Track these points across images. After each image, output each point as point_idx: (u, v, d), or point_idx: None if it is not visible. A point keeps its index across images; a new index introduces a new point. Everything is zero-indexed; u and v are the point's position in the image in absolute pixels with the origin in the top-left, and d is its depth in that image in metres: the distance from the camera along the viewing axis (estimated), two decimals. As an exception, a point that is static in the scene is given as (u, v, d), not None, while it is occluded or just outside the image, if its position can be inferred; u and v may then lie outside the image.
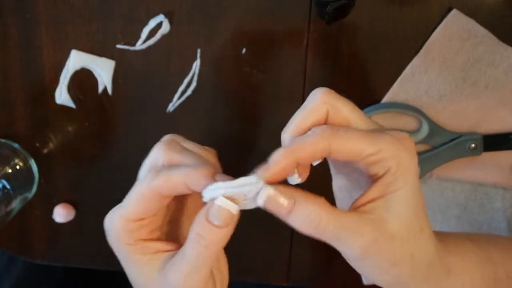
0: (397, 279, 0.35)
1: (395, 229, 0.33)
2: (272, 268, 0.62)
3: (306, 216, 0.31)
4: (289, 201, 0.31)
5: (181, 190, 0.33)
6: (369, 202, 0.33)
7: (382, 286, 0.36)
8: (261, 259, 0.62)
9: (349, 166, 0.37)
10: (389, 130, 0.34)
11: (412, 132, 0.55)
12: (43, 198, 0.61)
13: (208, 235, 0.32)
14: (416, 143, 0.55)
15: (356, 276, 0.61)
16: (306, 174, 0.35)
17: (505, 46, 0.52)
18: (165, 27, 0.54)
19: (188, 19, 0.54)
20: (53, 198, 0.61)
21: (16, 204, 0.57)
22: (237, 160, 0.59)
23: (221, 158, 0.59)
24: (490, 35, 0.52)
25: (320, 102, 0.34)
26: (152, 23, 0.54)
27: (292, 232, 0.60)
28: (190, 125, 0.58)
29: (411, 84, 0.54)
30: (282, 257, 0.62)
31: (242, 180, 0.32)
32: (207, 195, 0.32)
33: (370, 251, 0.33)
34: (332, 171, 0.39)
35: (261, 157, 0.58)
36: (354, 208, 0.34)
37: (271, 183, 0.32)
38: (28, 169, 0.59)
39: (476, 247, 0.39)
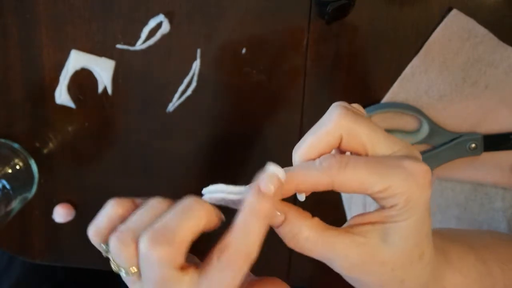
0: None
1: (386, 256, 0.32)
2: (272, 268, 0.62)
3: (294, 234, 0.32)
4: (280, 216, 0.32)
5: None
6: (367, 224, 0.32)
7: None
8: (261, 259, 0.62)
9: None
10: (407, 156, 0.32)
11: (412, 132, 0.55)
12: (43, 198, 0.61)
13: (263, 207, 0.30)
14: (416, 143, 0.55)
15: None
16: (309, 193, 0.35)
17: (505, 46, 0.52)
18: (165, 27, 0.54)
19: (188, 19, 0.54)
20: (53, 198, 0.61)
21: (16, 204, 0.57)
22: (237, 160, 0.59)
23: (221, 158, 0.59)
24: (490, 35, 0.52)
25: (335, 127, 0.32)
26: (152, 23, 0.54)
27: (292, 232, 0.60)
28: (190, 125, 0.58)
29: (411, 84, 0.54)
30: (282, 257, 0.62)
31: (241, 188, 0.32)
32: (207, 196, 0.32)
33: (355, 273, 0.33)
34: None
35: (261, 157, 0.58)
36: (350, 225, 0.33)
37: None
38: (28, 169, 0.59)
39: (477, 259, 0.38)
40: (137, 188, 0.60)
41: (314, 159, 0.32)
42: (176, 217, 0.30)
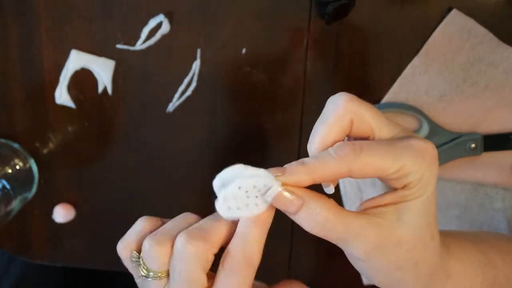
0: (398, 282, 0.35)
1: (403, 236, 0.33)
2: (272, 268, 0.62)
3: (313, 217, 0.31)
4: (298, 200, 0.31)
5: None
6: (380, 206, 0.33)
7: (381, 287, 0.36)
8: (261, 259, 0.62)
9: None
10: (411, 136, 0.33)
11: (412, 132, 0.55)
12: (43, 198, 0.61)
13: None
14: (416, 143, 0.55)
15: (356, 276, 0.61)
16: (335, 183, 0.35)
17: (505, 46, 0.52)
18: (165, 27, 0.54)
19: (188, 19, 0.54)
20: (53, 198, 0.61)
21: (16, 204, 0.57)
22: (237, 159, 0.59)
23: (221, 158, 0.59)
24: (490, 35, 0.52)
25: (344, 111, 0.33)
26: (152, 23, 0.54)
27: (292, 232, 0.60)
28: (190, 125, 0.58)
29: (411, 84, 0.54)
30: (282, 257, 0.62)
31: (257, 170, 0.32)
32: (218, 182, 0.32)
33: (373, 255, 0.33)
34: None
35: (261, 157, 0.58)
36: (363, 209, 0.34)
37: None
38: (28, 169, 0.59)
39: (477, 250, 0.39)
40: (137, 188, 0.60)
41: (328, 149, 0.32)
42: (210, 221, 0.33)
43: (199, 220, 0.34)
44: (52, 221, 0.61)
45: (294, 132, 0.57)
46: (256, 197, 0.32)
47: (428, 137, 0.54)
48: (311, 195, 0.32)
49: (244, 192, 0.32)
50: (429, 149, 0.33)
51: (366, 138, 0.34)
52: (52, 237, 0.62)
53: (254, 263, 0.33)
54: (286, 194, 0.31)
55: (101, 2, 0.54)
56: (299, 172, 0.32)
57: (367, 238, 0.32)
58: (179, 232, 0.33)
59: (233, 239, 0.32)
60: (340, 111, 0.33)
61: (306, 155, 0.59)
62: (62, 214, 0.60)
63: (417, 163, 0.32)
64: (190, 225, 0.34)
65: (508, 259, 0.40)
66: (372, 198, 0.34)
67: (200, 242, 0.32)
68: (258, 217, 0.32)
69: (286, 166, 0.32)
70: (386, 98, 0.55)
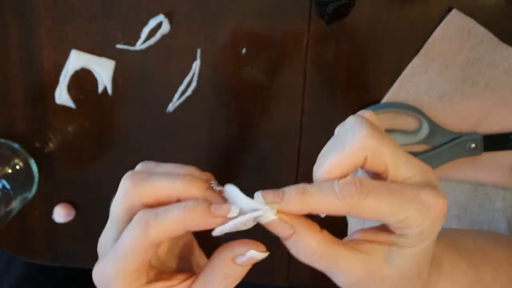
0: None
1: (387, 275, 0.32)
2: (272, 268, 0.62)
3: (301, 247, 0.32)
4: (289, 229, 0.31)
5: (180, 233, 0.32)
6: (373, 242, 0.32)
7: None
8: (261, 260, 0.62)
9: None
10: (426, 185, 0.31)
11: (412, 132, 0.55)
12: (43, 198, 0.61)
13: (235, 274, 0.33)
14: (416, 143, 0.55)
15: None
16: None
17: (505, 46, 0.52)
18: (165, 27, 0.54)
19: (188, 19, 0.54)
20: (53, 198, 0.61)
21: (16, 204, 0.57)
22: (237, 159, 0.59)
23: (221, 158, 0.59)
24: (490, 35, 0.52)
25: (363, 147, 0.31)
26: (152, 23, 0.54)
27: (292, 232, 0.60)
28: (190, 125, 0.58)
29: (411, 84, 0.54)
30: (282, 257, 0.62)
31: (248, 215, 0.32)
32: (217, 232, 0.32)
33: (357, 287, 0.33)
34: None
35: (261, 157, 0.58)
36: (356, 240, 0.33)
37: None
38: (28, 169, 0.58)
39: (469, 267, 0.38)
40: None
41: (335, 179, 0.31)
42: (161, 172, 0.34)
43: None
44: (52, 221, 0.61)
45: (294, 132, 0.57)
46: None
47: (428, 137, 0.54)
48: (304, 226, 0.31)
49: (239, 225, 0.32)
50: (439, 206, 0.31)
51: (378, 174, 0.32)
52: (52, 237, 0.62)
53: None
54: (279, 222, 0.31)
55: (101, 2, 0.54)
56: (297, 203, 0.31)
57: (351, 273, 0.32)
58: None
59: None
60: (358, 146, 0.31)
61: (305, 155, 0.59)
62: (62, 214, 0.60)
63: (422, 219, 0.30)
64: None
65: (499, 276, 0.40)
66: (368, 230, 0.33)
67: (109, 272, 0.32)
68: (237, 277, 0.34)
69: (285, 190, 0.31)
70: (386, 98, 0.55)
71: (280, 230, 0.32)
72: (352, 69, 0.55)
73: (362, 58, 0.54)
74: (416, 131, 0.55)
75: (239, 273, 0.33)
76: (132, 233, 0.31)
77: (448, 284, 0.37)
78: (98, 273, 0.34)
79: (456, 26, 0.52)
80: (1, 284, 0.69)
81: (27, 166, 0.58)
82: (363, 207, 0.30)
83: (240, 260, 0.33)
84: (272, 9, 0.53)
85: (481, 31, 0.52)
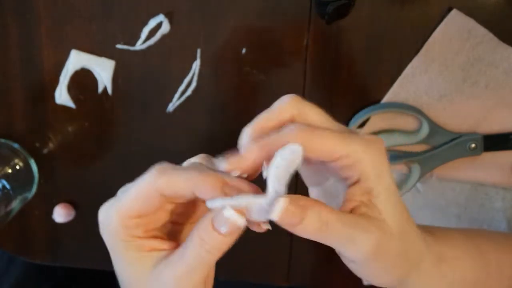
0: (398, 278, 0.35)
1: (392, 227, 0.33)
2: (272, 268, 0.62)
3: (317, 220, 0.31)
4: (301, 210, 0.31)
5: (185, 195, 0.32)
6: (356, 207, 0.33)
7: (381, 286, 0.37)
8: (261, 259, 0.62)
9: (321, 175, 0.37)
10: (361, 133, 0.34)
11: (412, 132, 0.55)
12: (43, 198, 0.61)
13: (211, 241, 0.31)
14: (416, 143, 0.55)
15: (356, 276, 0.61)
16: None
17: (505, 46, 0.52)
18: (165, 27, 0.54)
19: (188, 19, 0.54)
20: (53, 198, 0.61)
21: (16, 204, 0.57)
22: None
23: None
24: (490, 35, 0.52)
25: (287, 105, 0.34)
26: (152, 23, 0.54)
27: (292, 232, 0.60)
28: (190, 125, 0.58)
29: (411, 84, 0.54)
30: (282, 257, 0.62)
31: (251, 198, 0.31)
32: (212, 204, 0.32)
33: (377, 251, 0.32)
34: (307, 184, 0.39)
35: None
36: (348, 210, 0.33)
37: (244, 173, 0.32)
38: (28, 169, 0.59)
39: (463, 236, 0.40)
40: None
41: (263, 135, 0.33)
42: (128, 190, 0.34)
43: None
44: (52, 221, 0.61)
45: (294, 132, 0.57)
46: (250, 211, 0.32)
47: (428, 137, 0.54)
48: (309, 199, 0.31)
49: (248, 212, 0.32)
50: (378, 140, 0.33)
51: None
52: (52, 237, 0.62)
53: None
54: (290, 207, 0.31)
55: (101, 2, 0.54)
56: (253, 148, 0.32)
57: (372, 232, 0.32)
58: None
59: (183, 257, 0.32)
60: (283, 104, 0.34)
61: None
62: (62, 214, 0.60)
63: (368, 151, 0.32)
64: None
65: (495, 246, 0.40)
66: (345, 202, 0.33)
67: (110, 210, 0.33)
68: (210, 245, 0.31)
69: (242, 149, 0.33)
70: (386, 98, 0.55)
71: (295, 214, 0.31)
72: (352, 69, 0.55)
73: (362, 58, 0.54)
74: (416, 131, 0.55)
75: (217, 241, 0.31)
76: (144, 177, 0.33)
77: (448, 248, 0.38)
78: (103, 211, 0.34)
79: (456, 26, 0.52)
80: (1, 284, 0.69)
81: (27, 166, 0.58)
82: (314, 139, 0.31)
83: (217, 222, 0.31)
84: (272, 9, 0.53)
85: (481, 31, 0.52)
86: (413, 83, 0.54)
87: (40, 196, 0.61)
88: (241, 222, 0.31)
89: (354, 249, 0.32)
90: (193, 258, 0.32)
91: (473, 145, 0.54)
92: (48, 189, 0.61)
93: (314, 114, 0.34)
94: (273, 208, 0.31)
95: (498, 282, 0.39)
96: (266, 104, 0.57)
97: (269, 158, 0.32)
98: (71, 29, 0.55)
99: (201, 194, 0.32)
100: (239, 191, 0.32)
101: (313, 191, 0.39)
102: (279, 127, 0.33)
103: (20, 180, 0.58)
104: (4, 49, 0.56)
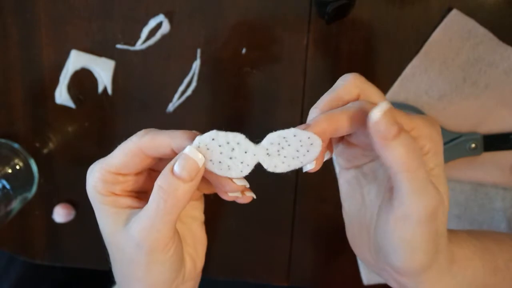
0: (427, 261, 0.34)
1: (445, 201, 0.34)
2: (272, 268, 0.62)
3: (409, 146, 0.31)
4: (399, 127, 0.30)
5: (164, 151, 0.34)
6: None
7: (409, 271, 0.35)
8: (261, 259, 0.62)
9: (362, 157, 0.37)
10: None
11: (412, 132, 0.55)
12: (43, 198, 0.61)
13: (169, 187, 0.32)
14: (416, 143, 0.55)
15: (356, 276, 0.61)
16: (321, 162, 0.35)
17: (505, 46, 0.52)
18: (165, 27, 0.54)
19: (188, 19, 0.54)
20: (53, 198, 0.61)
21: (16, 204, 0.57)
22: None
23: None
24: (490, 35, 0.52)
25: (352, 85, 0.34)
26: (152, 23, 0.54)
27: (292, 232, 0.60)
28: (190, 125, 0.58)
29: (411, 84, 0.54)
30: (282, 257, 0.62)
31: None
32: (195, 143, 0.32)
33: (433, 215, 0.32)
34: (343, 166, 0.39)
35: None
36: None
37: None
38: (28, 169, 0.59)
39: (472, 237, 0.39)
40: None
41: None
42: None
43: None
44: (52, 221, 0.61)
45: (294, 132, 0.57)
46: (231, 158, 0.32)
47: (428, 137, 0.54)
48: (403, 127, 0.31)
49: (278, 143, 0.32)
50: (436, 121, 0.34)
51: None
52: (52, 237, 0.62)
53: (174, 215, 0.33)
54: (390, 114, 0.30)
55: (101, 2, 0.54)
56: (321, 118, 0.32)
57: (435, 197, 0.32)
58: None
59: (147, 207, 0.33)
60: (348, 84, 0.34)
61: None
62: (62, 214, 0.60)
63: (429, 128, 0.33)
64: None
65: (502, 246, 0.40)
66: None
67: (95, 166, 0.36)
68: (173, 195, 0.32)
69: (312, 119, 0.33)
70: (386, 98, 0.55)
71: (393, 124, 0.30)
72: (352, 69, 0.55)
73: (362, 58, 0.54)
74: (416, 131, 0.55)
75: (174, 187, 0.32)
76: (132, 137, 0.35)
77: (459, 248, 0.37)
78: (90, 167, 0.37)
79: (456, 26, 0.52)
80: (1, 284, 0.69)
81: (27, 166, 0.58)
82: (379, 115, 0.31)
83: (176, 166, 0.32)
84: (272, 9, 0.53)
85: (481, 31, 0.52)
86: (413, 83, 0.54)
87: (40, 196, 0.61)
88: (201, 161, 0.32)
89: (421, 201, 0.32)
90: (153, 210, 0.32)
91: (473, 145, 0.54)
92: (48, 189, 0.61)
93: (377, 96, 0.35)
94: (373, 112, 0.30)
95: (507, 283, 0.39)
96: (266, 104, 0.57)
97: (335, 132, 0.32)
98: (71, 29, 0.55)
99: (178, 149, 0.33)
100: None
101: (347, 174, 0.39)
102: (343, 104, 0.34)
103: (20, 180, 0.58)
104: (4, 49, 0.56)
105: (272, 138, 0.32)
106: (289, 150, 0.32)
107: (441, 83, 0.54)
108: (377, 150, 0.31)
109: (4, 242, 0.63)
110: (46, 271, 0.70)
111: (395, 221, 0.33)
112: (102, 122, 0.58)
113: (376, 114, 0.30)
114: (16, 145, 0.58)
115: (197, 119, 0.57)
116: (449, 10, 0.52)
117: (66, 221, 0.61)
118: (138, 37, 0.55)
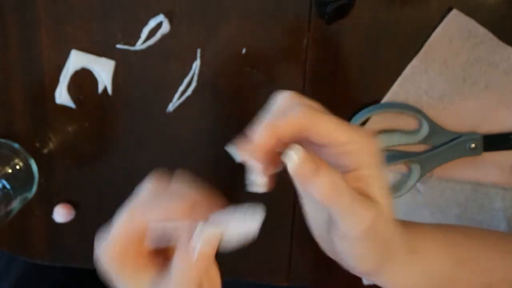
0: (378, 265, 0.36)
1: (385, 213, 0.34)
2: (272, 268, 0.62)
3: (330, 182, 0.31)
4: (316, 166, 0.31)
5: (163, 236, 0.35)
6: (361, 185, 0.34)
7: (364, 274, 0.37)
8: (261, 259, 0.62)
9: None
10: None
11: (412, 132, 0.55)
12: (43, 198, 0.61)
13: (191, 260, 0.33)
14: (416, 143, 0.55)
15: (356, 276, 0.61)
16: (272, 184, 0.35)
17: (505, 46, 0.52)
18: (165, 27, 0.54)
19: (188, 19, 0.54)
20: (53, 198, 0.61)
21: (16, 204, 0.57)
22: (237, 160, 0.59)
23: (221, 158, 0.59)
24: (490, 35, 0.52)
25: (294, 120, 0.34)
26: (152, 23, 0.54)
27: (292, 232, 0.60)
28: (190, 125, 0.58)
29: (411, 84, 0.54)
30: (282, 257, 0.62)
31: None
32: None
33: (371, 230, 0.33)
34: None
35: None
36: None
37: (258, 160, 0.33)
38: (28, 169, 0.58)
39: (438, 230, 0.40)
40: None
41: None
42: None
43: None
44: (52, 221, 0.61)
45: (294, 132, 0.57)
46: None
47: (428, 137, 0.54)
48: (323, 162, 0.32)
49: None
50: (371, 134, 0.35)
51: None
52: (52, 237, 0.62)
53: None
54: (307, 159, 0.31)
55: (101, 2, 0.54)
56: (261, 129, 0.33)
57: (372, 207, 0.33)
58: None
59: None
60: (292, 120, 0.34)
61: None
62: (62, 214, 0.60)
63: (367, 140, 0.33)
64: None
65: (475, 241, 0.41)
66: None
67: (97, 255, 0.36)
68: (192, 275, 0.33)
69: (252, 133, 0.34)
70: (386, 98, 0.55)
71: (309, 168, 0.31)
72: (352, 69, 0.55)
73: (362, 58, 0.54)
74: (416, 131, 0.55)
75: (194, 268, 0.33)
76: (117, 220, 0.36)
77: (422, 240, 0.38)
78: (96, 254, 0.37)
79: (456, 26, 0.52)
80: (1, 284, 0.69)
81: (27, 166, 0.58)
82: (320, 123, 0.32)
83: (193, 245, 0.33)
84: (272, 9, 0.53)
85: (481, 31, 0.52)
86: (413, 83, 0.54)
87: (40, 196, 0.61)
88: (219, 235, 0.34)
89: (352, 222, 0.33)
90: (178, 277, 0.33)
91: (473, 145, 0.54)
92: (48, 189, 0.61)
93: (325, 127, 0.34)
94: (289, 156, 0.31)
95: (475, 275, 0.40)
96: (266, 104, 0.57)
97: (279, 143, 0.32)
98: (71, 29, 0.55)
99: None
100: (209, 209, 0.34)
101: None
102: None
103: (20, 180, 0.58)
104: (4, 49, 0.56)
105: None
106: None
107: (441, 83, 0.54)
108: (301, 189, 0.33)
109: (4, 242, 0.63)
110: (46, 271, 0.70)
111: (337, 238, 0.35)
112: (102, 122, 0.58)
113: (291, 163, 0.31)
114: (16, 145, 0.58)
115: (197, 119, 0.57)
116: (449, 10, 0.52)
117: (66, 221, 0.61)
118: (138, 37, 0.55)
